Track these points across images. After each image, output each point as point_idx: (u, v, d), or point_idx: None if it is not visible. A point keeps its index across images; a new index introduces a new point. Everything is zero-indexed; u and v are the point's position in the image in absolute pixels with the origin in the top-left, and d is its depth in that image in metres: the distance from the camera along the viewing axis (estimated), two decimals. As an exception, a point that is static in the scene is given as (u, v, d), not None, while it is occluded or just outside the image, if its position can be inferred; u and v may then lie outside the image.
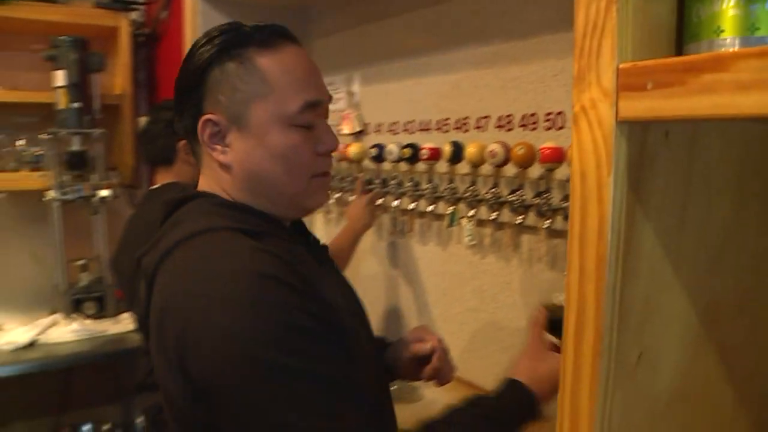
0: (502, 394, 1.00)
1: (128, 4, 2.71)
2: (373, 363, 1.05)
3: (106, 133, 2.42)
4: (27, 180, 2.50)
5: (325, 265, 1.05)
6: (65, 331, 2.36)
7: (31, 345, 2.30)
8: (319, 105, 0.96)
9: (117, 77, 2.70)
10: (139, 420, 2.30)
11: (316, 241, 1.10)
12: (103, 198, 2.38)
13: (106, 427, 2.68)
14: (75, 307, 2.41)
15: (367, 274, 2.14)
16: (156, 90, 2.87)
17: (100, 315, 2.44)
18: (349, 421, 0.79)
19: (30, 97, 2.55)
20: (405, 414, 1.64)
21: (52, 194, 2.36)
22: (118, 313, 2.44)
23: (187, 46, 2.15)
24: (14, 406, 2.80)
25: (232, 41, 0.92)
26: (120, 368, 2.61)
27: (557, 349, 0.94)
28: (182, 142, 1.81)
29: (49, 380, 2.56)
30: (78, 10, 2.64)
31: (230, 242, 0.86)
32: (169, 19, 2.68)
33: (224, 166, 0.93)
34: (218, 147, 0.93)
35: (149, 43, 2.85)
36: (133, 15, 2.76)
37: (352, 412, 0.80)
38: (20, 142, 2.58)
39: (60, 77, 2.36)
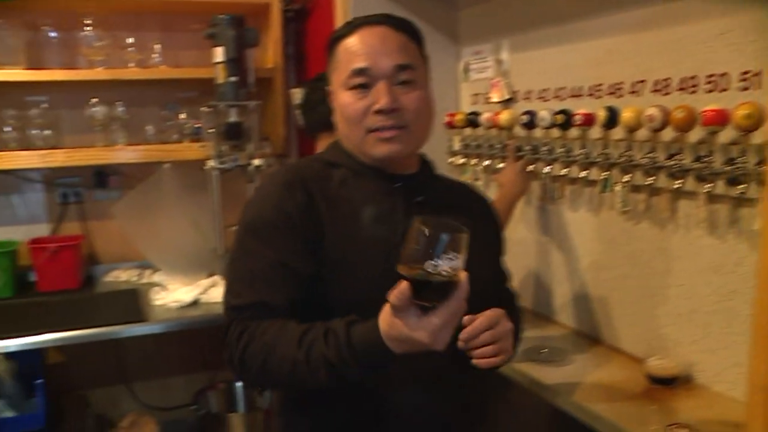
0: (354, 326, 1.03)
1: (278, -19, 2.89)
2: (363, 283, 1.13)
3: (260, 104, 2.61)
4: (188, 150, 2.74)
5: (398, 202, 1.22)
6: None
7: (194, 303, 2.53)
8: (365, 71, 1.17)
9: (269, 51, 2.89)
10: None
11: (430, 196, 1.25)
12: (258, 166, 2.56)
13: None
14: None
15: (516, 240, 2.19)
16: (305, 63, 3.03)
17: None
18: (235, 295, 1.15)
19: (191, 73, 2.80)
20: (554, 375, 1.71)
21: (211, 164, 2.57)
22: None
23: (335, 20, 2.27)
24: (176, 359, 3.10)
25: (336, 33, 1.25)
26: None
27: (424, 310, 0.93)
28: None
29: (208, 337, 2.81)
30: (233, -10, 2.85)
31: (298, 162, 1.33)
32: (317, -5, 2.84)
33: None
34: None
35: (298, 18, 3.01)
36: (284, -8, 2.94)
37: (243, 291, 1.14)
38: (182, 116, 2.84)
39: (219, 53, 2.55)
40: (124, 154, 2.73)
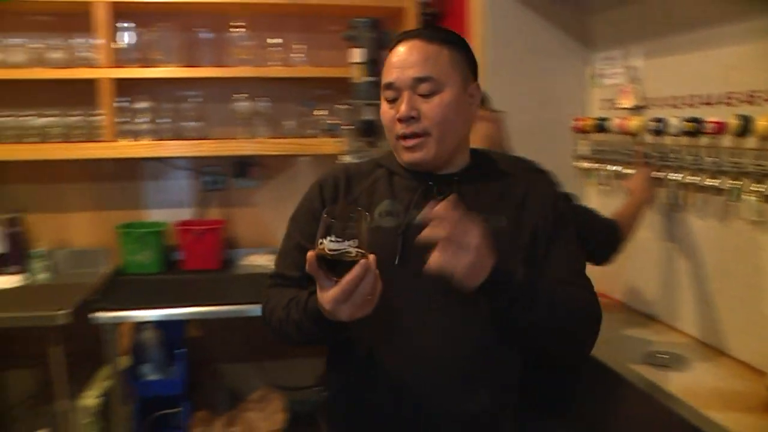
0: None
1: (414, -15, 3.05)
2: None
3: (393, 104, 2.77)
4: (325, 145, 2.96)
5: (416, 198, 1.34)
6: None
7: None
8: (392, 85, 1.32)
9: None
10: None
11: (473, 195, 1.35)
12: (389, 163, 2.73)
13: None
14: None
15: (641, 247, 2.23)
16: None
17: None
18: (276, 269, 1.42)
19: (329, 72, 3.02)
20: (672, 380, 1.75)
21: (345, 158, 2.76)
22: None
23: (469, 24, 2.38)
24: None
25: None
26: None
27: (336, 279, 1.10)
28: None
29: None
30: (371, -6, 3.04)
31: (356, 163, 1.53)
32: (452, -1, 2.97)
33: None
34: None
35: (433, 21, 3.15)
36: (419, -5, 3.09)
37: (276, 264, 1.43)
38: (319, 112, 3.05)
39: (356, 54, 2.73)
40: (265, 146, 2.98)
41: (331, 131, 3.00)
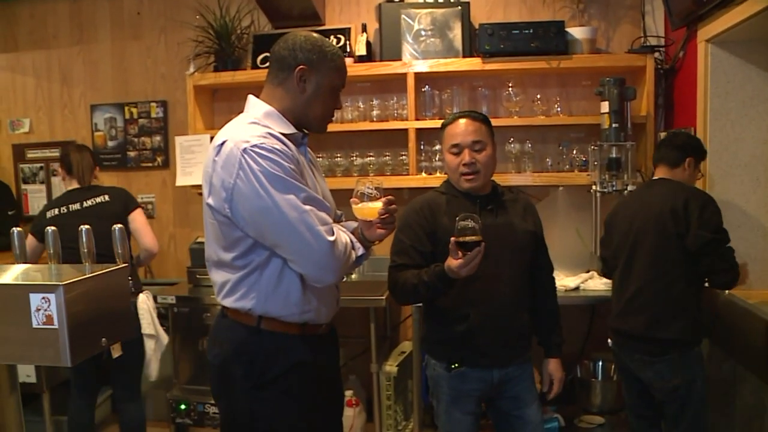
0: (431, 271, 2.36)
1: (653, 48, 3.99)
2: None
3: (634, 144, 3.72)
4: (577, 178, 3.94)
5: (476, 210, 2.41)
6: (598, 283, 3.73)
7: (576, 289, 3.73)
8: (457, 145, 2.53)
9: (642, 102, 3.95)
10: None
11: (495, 205, 2.55)
12: (630, 192, 3.69)
13: (613, 365, 3.99)
14: (603, 273, 3.79)
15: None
16: (673, 111, 4.01)
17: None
18: (392, 260, 2.59)
19: (581, 119, 4.00)
20: None
21: (595, 188, 3.77)
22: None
23: (700, 79, 3.31)
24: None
25: (444, 122, 2.66)
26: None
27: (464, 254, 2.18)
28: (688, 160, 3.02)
29: (591, 315, 4.04)
30: (616, 56, 4.00)
31: (429, 194, 2.65)
32: (685, 57, 3.84)
33: None
34: None
35: (668, 75, 4.00)
36: (656, 55, 4.01)
37: (395, 258, 2.58)
38: (573, 151, 4.09)
39: (605, 106, 3.72)
40: (530, 179, 4.05)
41: (583, 166, 4.01)
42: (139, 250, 3.69)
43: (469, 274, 2.22)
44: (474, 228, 2.17)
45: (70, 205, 3.59)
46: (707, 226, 2.79)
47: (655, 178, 3.09)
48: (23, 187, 5.03)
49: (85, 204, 3.60)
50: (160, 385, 4.09)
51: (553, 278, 2.77)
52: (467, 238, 2.17)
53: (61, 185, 3.95)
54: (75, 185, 3.68)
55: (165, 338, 3.68)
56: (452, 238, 2.19)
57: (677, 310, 2.83)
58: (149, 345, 3.56)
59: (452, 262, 2.21)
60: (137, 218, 3.70)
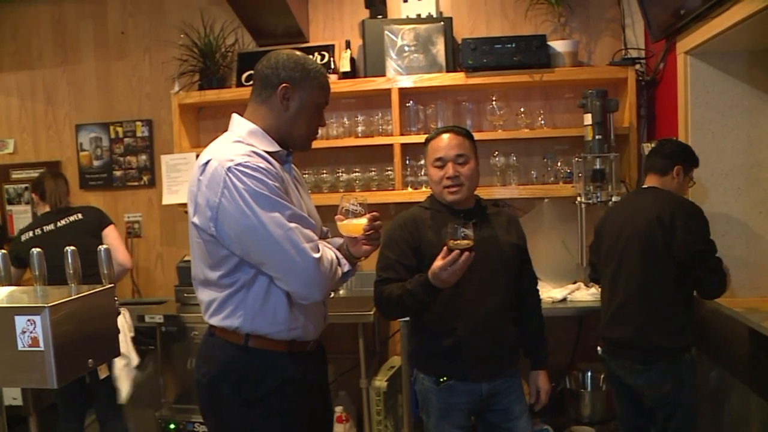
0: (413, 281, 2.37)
1: (634, 60, 4.04)
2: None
3: (618, 155, 3.76)
4: (562, 189, 3.96)
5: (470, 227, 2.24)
6: (585, 294, 3.75)
7: (563, 300, 3.74)
8: (441, 158, 2.58)
9: (625, 113, 3.99)
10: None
11: (479, 219, 2.52)
12: (615, 202, 3.70)
13: (602, 375, 4.00)
14: (592, 278, 3.82)
15: None
16: (655, 122, 4.04)
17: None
18: (378, 274, 2.59)
19: (565, 132, 4.03)
20: None
21: (579, 200, 3.79)
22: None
23: (680, 90, 3.35)
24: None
25: (428, 137, 3.19)
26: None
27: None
28: (677, 168, 3.04)
29: (578, 325, 4.06)
30: (598, 69, 4.03)
31: (413, 209, 2.69)
32: (665, 69, 3.87)
33: None
34: None
35: (649, 87, 4.03)
36: (637, 67, 4.04)
37: (380, 273, 2.58)
38: (558, 163, 4.11)
39: (588, 118, 3.75)
40: (516, 191, 4.07)
41: (568, 178, 4.04)
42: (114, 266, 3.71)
43: (453, 279, 2.23)
44: (468, 235, 2.18)
45: (44, 227, 3.66)
46: (696, 236, 2.81)
47: (644, 186, 3.11)
48: (8, 207, 5.01)
49: (59, 224, 3.66)
50: (149, 404, 4.06)
51: (538, 290, 2.79)
52: (460, 242, 2.18)
53: (36, 209, 3.97)
54: (47, 209, 3.75)
55: (135, 360, 3.72)
56: (449, 241, 2.19)
57: (665, 318, 2.84)
58: (118, 364, 3.58)
59: (437, 263, 2.21)
60: (110, 234, 3.78)
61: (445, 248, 2.18)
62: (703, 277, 2.83)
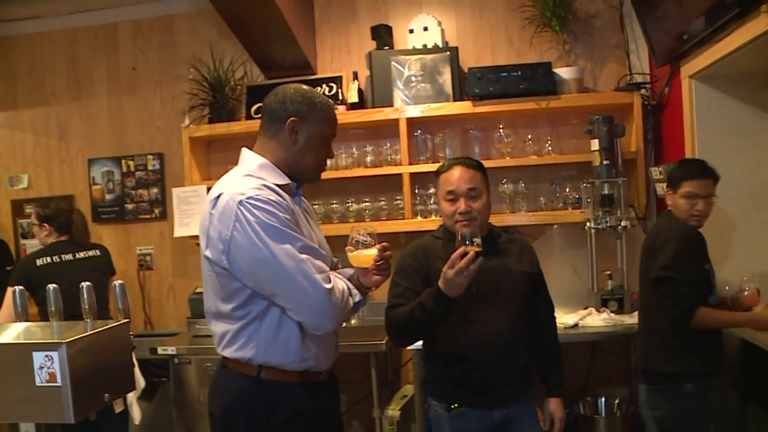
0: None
1: (639, 84, 4.07)
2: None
3: (626, 180, 3.78)
4: (571, 215, 3.97)
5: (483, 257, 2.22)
6: (597, 319, 3.75)
7: (575, 326, 3.74)
8: (453, 192, 2.52)
9: (632, 138, 4.00)
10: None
11: (490, 248, 2.44)
12: (624, 227, 3.72)
13: (616, 401, 3.99)
14: (602, 303, 3.82)
15: None
16: (662, 146, 4.06)
17: (620, 311, 3.79)
18: (390, 300, 2.53)
19: (572, 158, 4.05)
20: None
21: (589, 225, 3.81)
22: (633, 310, 3.74)
23: (686, 113, 3.38)
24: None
25: (439, 169, 2.66)
26: (628, 352, 3.90)
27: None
28: (668, 191, 3.04)
29: (592, 352, 4.05)
30: (603, 94, 4.06)
31: (424, 238, 2.66)
32: (670, 93, 3.90)
33: None
34: None
35: (655, 111, 4.06)
36: (642, 91, 4.07)
37: (392, 299, 2.52)
38: (566, 189, 4.14)
39: (595, 144, 3.79)
40: (525, 218, 4.09)
41: (576, 204, 4.05)
42: None
43: (464, 284, 2.22)
44: (478, 243, 2.19)
45: (62, 255, 3.72)
46: (660, 261, 2.87)
47: None
48: (22, 242, 5.06)
49: (77, 255, 3.75)
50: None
51: (554, 317, 2.80)
52: (470, 248, 2.18)
53: (43, 240, 3.95)
54: (62, 238, 3.82)
55: (142, 382, 3.80)
56: (461, 248, 2.20)
57: (658, 344, 2.95)
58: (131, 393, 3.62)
59: (447, 270, 2.20)
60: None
61: (452, 257, 2.19)
62: (658, 301, 2.89)
